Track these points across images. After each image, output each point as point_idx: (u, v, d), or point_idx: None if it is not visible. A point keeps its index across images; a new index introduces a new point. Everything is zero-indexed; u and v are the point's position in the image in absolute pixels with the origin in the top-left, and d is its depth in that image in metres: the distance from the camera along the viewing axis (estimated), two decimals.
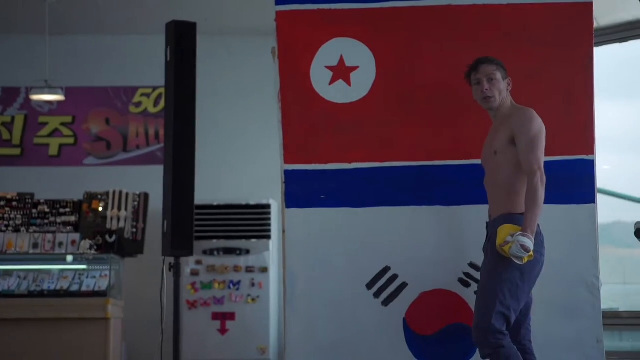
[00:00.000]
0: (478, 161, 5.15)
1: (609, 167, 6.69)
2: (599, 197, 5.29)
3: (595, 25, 5.40)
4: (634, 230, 5.68)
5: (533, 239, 4.56)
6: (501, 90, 4.85)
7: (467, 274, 5.21)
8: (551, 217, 4.97)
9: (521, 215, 4.67)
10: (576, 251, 5.14)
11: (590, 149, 5.19)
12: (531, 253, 4.52)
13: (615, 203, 7.51)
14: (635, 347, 6.82)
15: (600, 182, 5.65)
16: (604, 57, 6.24)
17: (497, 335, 4.61)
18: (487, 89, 4.83)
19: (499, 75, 4.85)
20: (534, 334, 4.91)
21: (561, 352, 5.01)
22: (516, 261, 4.56)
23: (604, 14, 7.51)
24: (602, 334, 5.08)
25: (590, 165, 5.19)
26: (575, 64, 5.26)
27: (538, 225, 4.69)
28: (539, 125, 4.75)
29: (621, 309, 7.29)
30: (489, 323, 4.60)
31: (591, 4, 5.29)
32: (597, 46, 5.40)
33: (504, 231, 4.61)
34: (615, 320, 6.89)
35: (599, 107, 5.21)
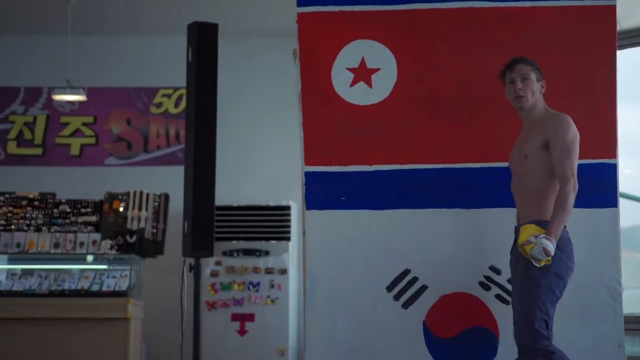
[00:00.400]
0: (499, 164, 5.15)
1: (630, 171, 6.66)
2: (621, 201, 5.27)
3: (618, 28, 5.38)
4: None
5: (555, 244, 4.54)
6: (534, 91, 4.81)
7: (487, 277, 5.20)
8: (573, 221, 4.92)
9: (545, 222, 4.64)
10: (598, 255, 5.11)
11: (613, 153, 5.16)
12: (550, 258, 4.49)
13: (636, 207, 7.47)
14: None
15: (621, 185, 5.63)
16: (627, 60, 6.21)
17: (544, 341, 4.57)
18: (520, 89, 4.79)
19: (533, 76, 4.81)
20: (555, 339, 4.89)
21: (582, 356, 4.98)
22: (534, 262, 4.54)
23: (627, 17, 7.47)
24: (623, 339, 5.07)
25: (612, 169, 5.16)
26: (597, 66, 5.24)
27: (567, 233, 4.68)
28: (574, 132, 4.72)
29: None
30: (534, 329, 4.56)
31: (614, 6, 5.27)
32: (620, 49, 5.36)
33: (528, 231, 4.59)
34: (637, 325, 6.85)
35: (621, 110, 5.19)
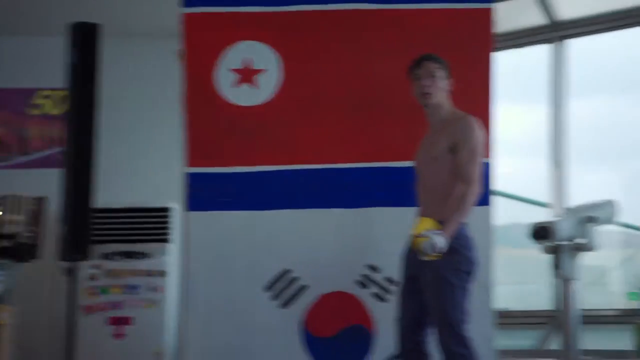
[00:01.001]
0: (380, 164, 5.25)
1: (509, 170, 6.85)
2: (499, 200, 5.41)
3: (496, 30, 5.51)
4: (530, 232, 5.85)
5: (447, 243, 4.52)
6: (440, 88, 4.78)
7: (365, 276, 5.26)
8: None
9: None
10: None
11: (487, 152, 5.30)
12: (437, 255, 4.52)
13: (514, 205, 7.68)
14: (527, 345, 6.97)
15: (500, 184, 5.79)
16: (504, 62, 6.40)
17: (469, 342, 4.54)
18: (426, 85, 4.77)
19: (440, 74, 4.78)
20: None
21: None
22: (419, 255, 4.53)
23: (503, 20, 7.67)
24: (494, 333, 5.17)
25: (486, 168, 5.30)
26: (475, 68, 5.34)
27: (469, 230, 4.69)
28: (481, 136, 4.73)
29: (515, 309, 7.47)
30: (460, 335, 4.53)
31: (492, 9, 5.39)
32: (497, 51, 5.49)
33: (425, 224, 4.55)
34: (509, 319, 7.05)
35: (500, 111, 5.31)
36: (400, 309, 4.74)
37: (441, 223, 4.57)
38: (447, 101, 4.81)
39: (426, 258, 4.51)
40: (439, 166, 4.68)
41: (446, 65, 4.81)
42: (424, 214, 4.70)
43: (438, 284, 4.57)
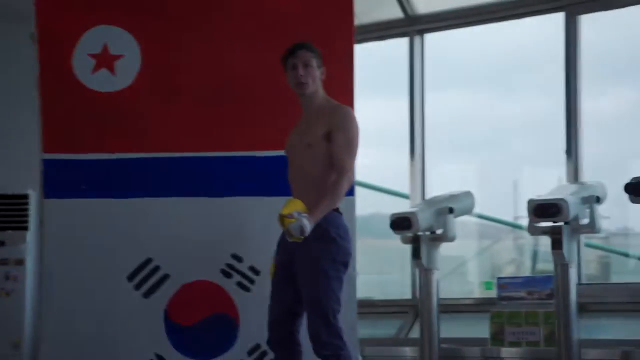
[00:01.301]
0: (242, 153, 5.24)
1: (369, 161, 6.92)
2: (360, 190, 5.44)
3: (356, 22, 5.55)
4: (391, 223, 5.93)
5: (312, 227, 4.47)
6: (315, 77, 4.74)
7: (229, 265, 5.25)
8: None
9: (334, 212, 4.63)
10: None
11: None
12: (302, 237, 4.50)
13: (375, 196, 7.77)
14: (388, 334, 7.07)
15: (362, 176, 5.84)
16: (364, 54, 6.46)
17: (341, 332, 4.53)
18: (302, 75, 4.71)
19: (314, 63, 4.74)
20: None
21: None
22: (286, 236, 4.49)
23: (364, 12, 7.74)
24: (356, 322, 5.21)
25: None
26: (335, 59, 5.30)
27: (344, 220, 4.67)
28: (357, 126, 4.71)
29: (376, 298, 7.56)
30: (332, 324, 4.51)
31: (352, 1, 5.39)
32: (357, 43, 5.52)
33: (294, 205, 4.50)
34: (371, 308, 7.13)
35: (361, 103, 5.33)
36: (273, 297, 4.72)
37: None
38: (321, 90, 4.81)
39: (291, 239, 4.48)
40: (314, 153, 4.66)
41: (320, 53, 4.80)
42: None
43: (314, 273, 4.55)
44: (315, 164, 4.66)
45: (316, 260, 4.55)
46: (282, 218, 4.49)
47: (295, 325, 4.69)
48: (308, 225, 4.45)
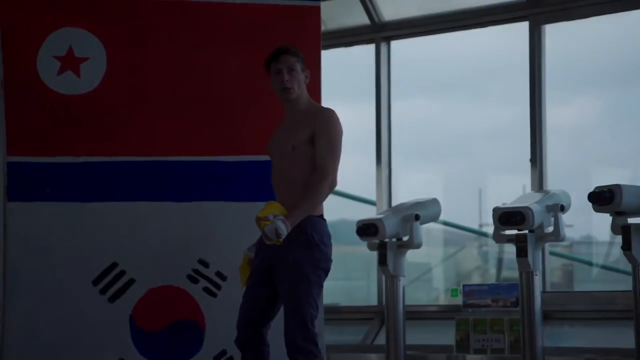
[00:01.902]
0: (210, 158, 5.21)
1: None
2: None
3: (322, 28, 5.56)
4: (357, 229, 5.93)
5: (289, 230, 4.46)
6: (300, 82, 4.71)
7: (195, 270, 5.22)
8: None
9: (318, 218, 4.61)
10: None
11: None
12: (281, 240, 4.46)
13: (341, 202, 7.78)
14: (354, 341, 7.07)
15: None
16: (331, 60, 6.47)
17: (316, 338, 4.52)
18: (287, 80, 4.67)
19: (298, 67, 4.71)
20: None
21: (279, 345, 5.07)
22: (264, 239, 4.45)
23: (331, 18, 7.75)
24: (322, 328, 5.20)
25: None
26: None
27: (327, 226, 4.66)
28: (341, 129, 4.68)
29: (342, 304, 7.57)
30: (308, 329, 4.49)
31: (318, 7, 5.42)
32: (324, 49, 5.53)
33: (271, 208, 4.48)
34: (337, 315, 7.13)
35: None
36: (247, 297, 4.68)
37: (309, 217, 4.55)
38: (305, 93, 4.77)
39: (269, 242, 4.45)
40: (297, 157, 4.64)
41: (302, 57, 4.77)
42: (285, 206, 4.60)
43: (295, 278, 4.52)
44: (299, 167, 4.63)
45: (298, 265, 4.52)
46: (258, 220, 4.46)
47: (265, 326, 4.68)
48: (283, 227, 4.42)
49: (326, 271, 4.63)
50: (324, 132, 4.63)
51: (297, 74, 4.71)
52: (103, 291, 5.16)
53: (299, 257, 4.52)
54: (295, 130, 4.68)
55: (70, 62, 5.27)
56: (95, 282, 5.16)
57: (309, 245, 4.53)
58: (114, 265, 5.18)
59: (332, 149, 4.62)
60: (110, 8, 5.32)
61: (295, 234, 4.51)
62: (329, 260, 4.63)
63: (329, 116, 4.69)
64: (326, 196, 4.64)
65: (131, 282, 5.18)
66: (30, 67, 5.23)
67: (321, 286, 4.61)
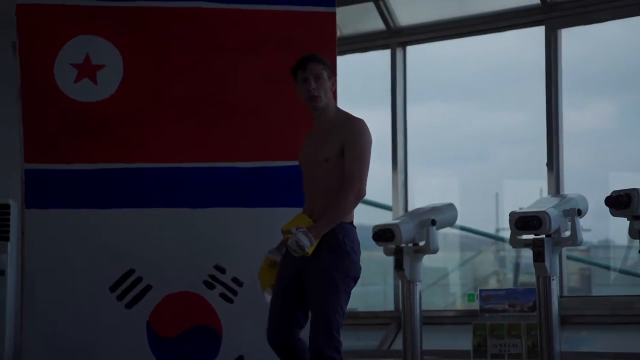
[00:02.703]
0: (226, 164, 5.23)
1: None
2: None
3: (338, 34, 5.56)
4: (373, 234, 5.92)
5: (313, 241, 4.43)
6: (327, 90, 4.64)
7: (212, 276, 5.23)
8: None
9: (349, 225, 4.57)
10: None
11: None
12: (308, 252, 4.41)
13: (358, 208, 7.75)
14: (371, 346, 7.06)
15: None
16: (347, 65, 6.48)
17: (339, 346, 4.47)
18: (314, 88, 4.60)
19: (325, 75, 4.64)
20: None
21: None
22: (291, 251, 4.46)
23: (346, 24, 7.76)
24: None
25: None
26: None
27: (355, 232, 4.60)
28: (370, 138, 4.63)
29: (359, 309, 7.56)
30: (333, 337, 4.45)
31: (334, 13, 5.42)
32: (340, 55, 5.53)
33: (297, 220, 4.48)
34: (354, 320, 7.13)
35: None
36: (276, 304, 4.61)
37: (341, 225, 4.50)
38: (332, 101, 4.72)
39: (296, 255, 4.44)
40: (330, 168, 4.58)
41: (329, 64, 4.71)
42: (313, 215, 4.57)
43: (324, 285, 4.48)
44: (332, 178, 4.56)
45: (328, 271, 4.48)
46: (282, 233, 4.49)
47: (297, 332, 4.62)
48: (304, 239, 4.40)
49: (355, 279, 4.56)
50: (352, 142, 4.56)
51: (323, 82, 4.64)
52: (120, 297, 5.17)
53: (329, 263, 4.47)
54: (326, 142, 4.62)
55: (87, 70, 5.29)
56: (113, 289, 5.17)
57: (340, 252, 4.48)
58: (130, 271, 5.19)
59: (360, 159, 4.55)
60: (126, 16, 5.33)
61: (327, 239, 4.48)
62: (358, 269, 4.57)
63: (358, 126, 4.62)
64: (353, 206, 4.58)
65: (148, 288, 5.19)
66: (48, 74, 5.25)
67: (349, 295, 4.54)
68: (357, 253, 4.59)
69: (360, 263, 4.61)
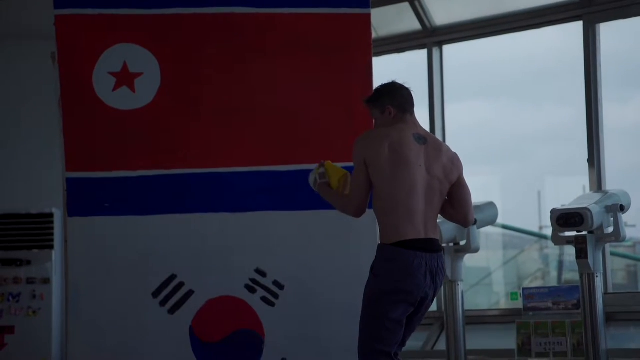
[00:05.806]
0: (264, 168, 5.25)
1: None
2: None
3: (373, 35, 5.55)
4: None
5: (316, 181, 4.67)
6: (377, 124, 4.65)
7: (253, 280, 5.24)
8: (334, 223, 5.11)
9: (382, 245, 4.50)
10: (360, 255, 5.22)
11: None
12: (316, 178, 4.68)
13: None
14: (415, 347, 7.02)
15: None
16: (384, 66, 6.47)
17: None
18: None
19: (373, 113, 4.65)
20: (325, 337, 5.08)
21: (347, 354, 5.07)
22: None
23: (382, 25, 7.75)
24: None
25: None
26: (354, 72, 5.36)
27: (388, 250, 4.47)
28: (356, 154, 4.58)
29: None
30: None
31: (369, 14, 5.41)
32: (376, 56, 5.54)
33: (335, 171, 4.69)
34: None
35: None
36: (399, 328, 4.46)
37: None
38: (387, 123, 4.65)
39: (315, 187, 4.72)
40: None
41: (373, 100, 4.66)
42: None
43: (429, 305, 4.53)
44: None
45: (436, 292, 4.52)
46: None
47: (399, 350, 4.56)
48: (310, 176, 4.71)
49: (386, 292, 4.39)
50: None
51: (375, 120, 4.67)
52: (163, 303, 5.19)
53: (439, 285, 4.51)
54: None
55: (125, 78, 5.32)
56: (155, 294, 5.20)
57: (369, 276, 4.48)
58: (172, 277, 5.22)
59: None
60: (162, 23, 5.35)
61: None
62: (385, 283, 4.40)
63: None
64: (342, 211, 4.60)
65: (190, 293, 5.21)
66: (87, 83, 5.28)
67: (379, 311, 4.40)
68: (382, 269, 4.44)
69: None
